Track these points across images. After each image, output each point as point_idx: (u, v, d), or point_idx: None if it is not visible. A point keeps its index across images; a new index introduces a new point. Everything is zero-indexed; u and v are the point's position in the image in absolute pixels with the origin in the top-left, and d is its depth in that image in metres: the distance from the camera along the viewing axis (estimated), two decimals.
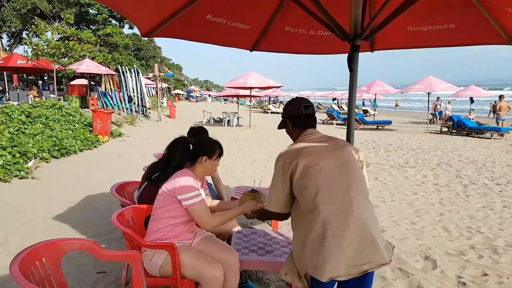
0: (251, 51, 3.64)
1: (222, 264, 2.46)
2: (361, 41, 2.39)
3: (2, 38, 33.41)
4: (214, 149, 2.60)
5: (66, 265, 3.33)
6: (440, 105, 24.65)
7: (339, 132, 16.95)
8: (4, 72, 19.33)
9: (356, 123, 20.07)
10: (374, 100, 34.21)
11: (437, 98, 20.84)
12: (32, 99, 14.82)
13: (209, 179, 4.16)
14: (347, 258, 1.75)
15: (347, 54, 3.94)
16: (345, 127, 2.65)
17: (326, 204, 1.82)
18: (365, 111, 30.87)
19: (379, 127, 19.98)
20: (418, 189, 6.81)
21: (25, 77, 25.84)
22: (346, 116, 22.99)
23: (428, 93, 18.09)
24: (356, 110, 34.34)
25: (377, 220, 1.99)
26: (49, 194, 5.72)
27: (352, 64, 2.38)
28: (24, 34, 31.53)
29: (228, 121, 18.94)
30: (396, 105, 51.41)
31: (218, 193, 4.01)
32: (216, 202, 2.97)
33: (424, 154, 10.86)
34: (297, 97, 2.27)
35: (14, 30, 30.67)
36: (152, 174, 3.04)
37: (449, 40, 3.22)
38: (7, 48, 32.77)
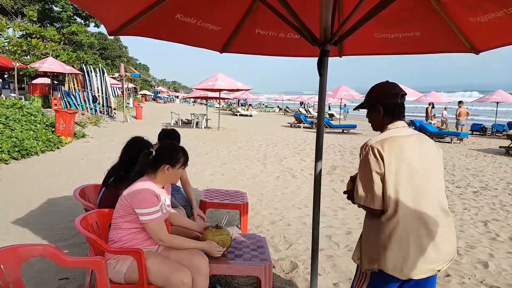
0: (221, 52, 3.62)
1: (191, 269, 2.42)
2: (330, 46, 2.43)
3: None
4: (178, 158, 2.52)
5: (27, 271, 3.18)
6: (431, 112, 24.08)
7: (306, 136, 17.21)
8: None
9: None
10: (345, 105, 35.02)
11: (430, 104, 21.33)
12: None
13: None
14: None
15: (317, 57, 4.03)
16: (312, 130, 2.71)
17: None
18: (331, 115, 31.47)
19: (344, 131, 20.43)
20: None
21: None
22: (313, 119, 23.37)
23: None
24: None
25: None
26: (8, 197, 5.44)
27: (321, 68, 2.41)
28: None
29: (197, 123, 18.76)
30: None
31: (186, 196, 3.95)
32: (175, 213, 2.87)
33: None
34: (389, 81, 2.07)
35: None
36: (109, 178, 2.96)
37: (415, 48, 3.33)
38: None
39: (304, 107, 45.85)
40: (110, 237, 2.49)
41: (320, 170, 2.52)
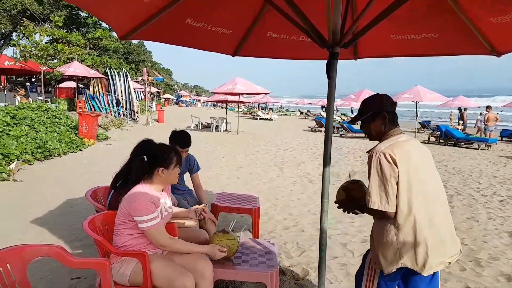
0: (233, 56, 3.60)
1: (195, 273, 2.39)
2: (340, 48, 2.37)
3: None
4: (170, 158, 2.50)
5: (39, 270, 3.24)
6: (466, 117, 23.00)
7: None
8: None
9: (344, 131, 20.22)
10: None
11: (462, 108, 20.61)
12: (19, 101, 14.60)
13: (189, 184, 4.10)
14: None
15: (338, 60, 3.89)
16: (334, 134, 2.69)
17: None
18: None
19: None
20: None
21: (14, 78, 25.50)
22: (334, 123, 23.13)
23: (416, 103, 18.28)
24: (344, 118, 34.72)
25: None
26: (29, 197, 5.59)
27: (330, 71, 2.36)
28: (14, 36, 31.13)
29: (216, 126, 18.87)
30: None
31: (198, 199, 3.94)
32: (178, 210, 2.87)
33: None
34: (384, 94, 2.25)
35: (4, 32, 30.26)
36: (117, 181, 2.97)
37: (433, 49, 3.22)
38: None
39: (326, 110, 45.43)
40: (113, 242, 2.49)
41: (328, 176, 2.45)
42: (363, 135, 12.61)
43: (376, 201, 1.93)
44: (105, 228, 2.70)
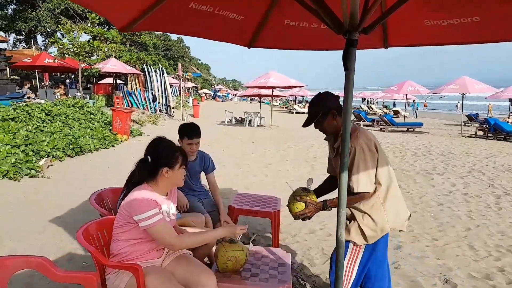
0: (248, 47, 3.30)
1: (198, 287, 2.17)
2: (360, 34, 2.01)
3: (37, 38, 34.69)
4: (175, 158, 2.29)
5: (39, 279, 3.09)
6: None
7: None
8: (36, 71, 19.86)
9: (384, 124, 19.37)
10: (414, 101, 33.06)
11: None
12: (59, 97, 15.11)
13: (204, 183, 3.87)
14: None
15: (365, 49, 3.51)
16: (373, 129, 2.54)
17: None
18: (396, 112, 29.80)
19: (409, 129, 19.13)
20: (445, 199, 6.26)
21: (58, 75, 26.62)
22: (375, 117, 22.27)
23: (463, 94, 17.17)
24: (386, 111, 33.45)
25: None
26: (54, 194, 5.61)
27: (348, 61, 2.00)
28: (58, 34, 32.51)
29: (250, 121, 18.66)
30: (425, 106, 49.31)
31: (214, 201, 3.70)
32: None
33: (455, 159, 10.15)
34: (324, 91, 2.49)
35: (48, 30, 31.64)
36: (131, 181, 2.79)
37: (474, 36, 2.76)
38: (42, 47, 33.94)
39: (366, 103, 44.15)
40: (110, 249, 2.31)
41: (345, 183, 2.09)
42: (405, 128, 12.07)
43: (362, 185, 2.25)
44: (104, 235, 2.52)
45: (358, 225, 2.38)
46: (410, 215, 2.53)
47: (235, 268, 2.41)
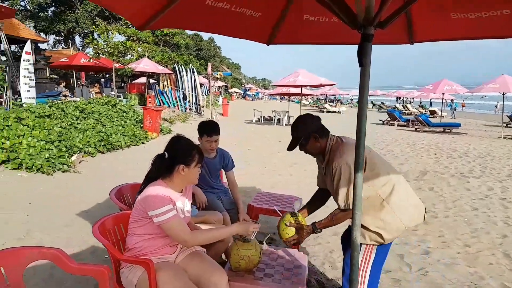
0: (267, 44, 3.24)
1: (209, 286, 2.16)
2: (376, 29, 1.92)
3: (75, 38, 36.12)
4: (192, 156, 2.29)
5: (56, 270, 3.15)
6: None
7: (398, 134, 15.89)
8: (73, 71, 20.63)
9: (419, 124, 18.73)
10: (452, 101, 31.85)
11: None
12: (94, 96, 15.64)
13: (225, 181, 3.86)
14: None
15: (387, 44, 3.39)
16: (408, 129, 2.46)
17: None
18: (433, 112, 28.77)
19: (446, 130, 18.40)
20: (480, 203, 5.94)
21: (94, 75, 27.57)
22: (410, 116, 21.54)
23: (503, 94, 16.31)
24: (422, 111, 32.35)
25: None
26: (83, 188, 5.78)
27: (363, 57, 1.91)
28: (95, 35, 33.75)
29: (278, 120, 18.57)
30: (463, 106, 47.25)
31: (233, 199, 3.68)
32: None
33: (494, 162, 9.64)
34: (306, 114, 2.54)
35: (86, 31, 32.86)
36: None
37: (505, 30, 2.58)
38: (80, 48, 35.29)
39: (402, 102, 42.96)
40: (126, 243, 2.34)
41: (361, 183, 2.01)
42: (442, 129, 11.65)
43: (351, 201, 2.12)
44: (121, 230, 2.55)
45: (370, 228, 2.33)
46: (426, 209, 2.49)
47: (248, 268, 2.38)
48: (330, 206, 2.72)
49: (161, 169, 2.30)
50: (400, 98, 46.59)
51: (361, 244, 2.33)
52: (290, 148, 2.50)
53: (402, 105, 37.61)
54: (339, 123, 21.99)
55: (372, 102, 48.15)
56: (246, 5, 2.67)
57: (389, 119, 22.53)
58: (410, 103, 43.71)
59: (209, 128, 3.48)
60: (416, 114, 27.19)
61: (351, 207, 2.19)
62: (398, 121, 21.32)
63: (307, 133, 2.39)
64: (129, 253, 2.28)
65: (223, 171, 3.78)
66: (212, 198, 3.55)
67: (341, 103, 41.34)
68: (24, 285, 1.94)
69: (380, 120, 23.84)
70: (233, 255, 2.37)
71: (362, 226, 2.32)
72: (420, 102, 42.01)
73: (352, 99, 60.47)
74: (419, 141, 13.81)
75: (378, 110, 38.97)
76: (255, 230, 2.34)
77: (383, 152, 10.81)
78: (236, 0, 2.60)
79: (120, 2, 2.37)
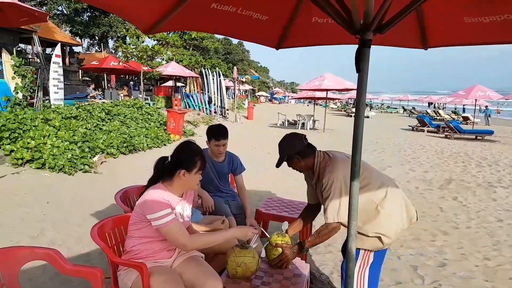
0: (277, 49, 3.21)
1: None
2: (375, 34, 1.85)
3: (108, 42, 37.26)
4: (194, 162, 2.27)
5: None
6: None
7: (427, 141, 15.40)
8: (104, 74, 21.29)
9: (450, 131, 18.09)
10: (486, 107, 30.66)
11: None
12: (123, 98, 16.05)
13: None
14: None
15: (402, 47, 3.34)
16: (438, 135, 2.45)
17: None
18: (465, 118, 27.72)
19: (477, 137, 17.67)
20: (506, 215, 5.65)
21: (125, 77, 28.35)
22: (441, 123, 20.78)
23: None
24: (455, 117, 31.24)
25: None
26: (102, 189, 5.91)
27: (361, 63, 1.85)
28: (127, 39, 34.74)
29: (303, 124, 18.41)
30: (498, 112, 45.09)
31: (241, 203, 3.65)
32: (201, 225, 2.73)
33: None
34: (291, 133, 2.61)
35: (119, 35, 33.87)
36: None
37: None
38: (112, 51, 36.41)
39: (433, 108, 41.73)
40: (125, 246, 2.36)
41: (357, 192, 1.93)
42: (473, 136, 11.22)
43: (343, 214, 2.20)
44: (121, 232, 2.58)
45: (369, 234, 2.34)
46: (416, 212, 2.55)
47: (245, 275, 2.34)
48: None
49: (162, 171, 2.31)
50: (432, 103, 45.26)
51: (359, 249, 2.34)
52: (277, 165, 2.53)
53: (434, 111, 36.50)
54: (368, 127, 21.45)
55: (403, 107, 47.02)
56: (252, 8, 2.65)
57: (418, 125, 21.89)
58: (442, 109, 42.37)
59: (217, 132, 3.47)
60: (446, 120, 26.31)
61: (341, 220, 2.25)
62: (428, 127, 20.69)
63: (289, 154, 2.45)
64: (127, 255, 2.30)
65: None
66: (220, 202, 3.54)
67: (371, 108, 40.55)
68: (19, 285, 1.98)
69: (409, 125, 23.21)
70: (230, 262, 2.34)
71: (361, 234, 2.33)
72: (455, 108, 40.64)
73: (382, 104, 59.30)
74: (448, 148, 13.33)
75: (409, 116, 37.97)
76: (253, 234, 2.33)
77: (408, 159, 10.49)
78: (242, 3, 2.59)
79: (126, 8, 2.40)
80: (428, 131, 20.29)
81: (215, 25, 2.88)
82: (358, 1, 1.75)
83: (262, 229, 3.09)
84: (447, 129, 18.86)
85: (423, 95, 55.03)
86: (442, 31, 2.73)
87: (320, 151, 2.50)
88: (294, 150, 2.44)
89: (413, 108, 43.81)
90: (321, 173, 2.38)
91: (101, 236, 2.32)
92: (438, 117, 32.12)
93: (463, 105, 35.47)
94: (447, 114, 34.65)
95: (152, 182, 2.33)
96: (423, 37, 2.88)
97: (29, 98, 9.02)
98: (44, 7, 28.90)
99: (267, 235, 2.68)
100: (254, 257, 2.34)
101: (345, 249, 2.66)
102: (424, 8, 2.58)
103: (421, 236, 4.68)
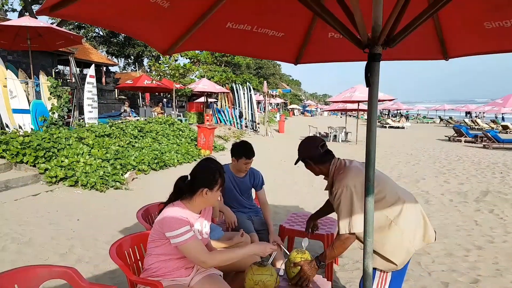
0: (295, 64, 3.21)
1: None
2: (384, 48, 1.81)
3: (143, 61, 38.66)
4: (215, 179, 2.29)
5: None
6: None
7: (464, 152, 14.76)
8: (139, 92, 22.04)
9: (488, 141, 17.30)
10: None
11: None
12: (156, 115, 16.53)
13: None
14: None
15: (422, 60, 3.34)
16: (476, 145, 2.38)
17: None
18: (505, 127, 26.41)
19: None
20: None
21: (160, 95, 29.23)
22: (478, 132, 19.93)
23: None
24: (494, 126, 29.83)
25: None
26: (132, 205, 6.04)
27: (371, 76, 1.82)
28: (161, 58, 35.91)
29: (335, 136, 18.17)
30: None
31: (264, 219, 3.62)
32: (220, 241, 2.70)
33: None
34: (309, 137, 2.62)
35: (154, 54, 35.12)
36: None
37: None
38: (148, 70, 37.77)
39: (470, 118, 40.09)
40: (144, 263, 2.39)
41: (372, 208, 1.87)
42: None
43: (359, 225, 2.14)
44: (141, 249, 2.62)
45: (380, 252, 2.28)
46: (435, 231, 2.41)
47: None
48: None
49: (182, 190, 2.34)
50: (469, 113, 43.52)
51: (375, 269, 2.27)
52: (295, 163, 2.64)
53: (471, 120, 35.05)
54: (403, 138, 20.95)
55: (439, 117, 45.48)
56: (268, 25, 2.68)
57: (455, 135, 21.07)
58: (481, 118, 40.62)
59: (248, 151, 3.49)
60: (484, 129, 25.15)
61: (353, 231, 2.18)
62: (465, 137, 19.86)
63: (304, 158, 2.48)
64: (145, 273, 2.33)
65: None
66: (242, 218, 3.53)
67: (406, 118, 39.48)
68: None
69: (446, 136, 22.38)
70: (247, 280, 2.32)
71: (377, 250, 2.27)
72: (496, 117, 38.86)
73: (418, 114, 57.66)
74: (486, 158, 12.71)
75: (446, 126, 36.64)
76: (272, 250, 2.30)
77: (443, 171, 10.08)
78: (257, 21, 2.62)
79: (143, 31, 2.49)
80: (465, 141, 19.48)
81: (232, 44, 2.93)
82: (364, 16, 1.73)
83: (282, 246, 3.05)
84: (485, 138, 18.04)
85: (460, 104, 53.01)
86: (463, 39, 2.64)
87: (339, 158, 2.48)
88: (308, 154, 2.46)
89: (450, 117, 42.28)
90: (334, 181, 2.36)
91: (120, 254, 2.36)
92: (475, 127, 30.80)
93: (502, 113, 33.85)
94: (486, 123, 33.16)
95: (171, 200, 2.36)
96: (443, 47, 2.79)
97: (66, 117, 9.46)
98: (82, 30, 30.47)
99: (287, 252, 2.64)
100: (272, 275, 2.31)
101: None
102: (440, 17, 2.51)
103: (454, 251, 4.46)
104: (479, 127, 30.72)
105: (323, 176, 2.52)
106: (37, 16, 11.26)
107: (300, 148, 2.53)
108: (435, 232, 2.39)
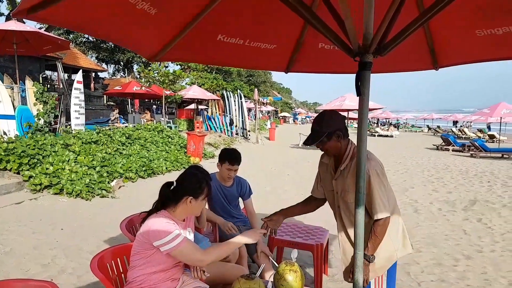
0: (286, 72, 3.19)
1: None
2: (375, 57, 1.79)
3: (133, 67, 38.47)
4: (201, 188, 2.24)
5: None
6: None
7: (452, 160, 14.90)
8: (128, 98, 21.85)
9: (475, 150, 17.52)
10: None
11: None
12: (145, 122, 16.38)
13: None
14: None
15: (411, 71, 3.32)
16: (463, 154, 2.40)
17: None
18: (492, 136, 26.82)
19: (504, 156, 17.01)
20: None
21: (149, 101, 29.05)
22: (465, 141, 20.15)
23: None
24: (481, 135, 30.28)
25: None
26: (117, 214, 5.92)
27: (362, 86, 1.79)
28: (151, 64, 35.80)
29: None
30: None
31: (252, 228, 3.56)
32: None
33: None
34: (332, 110, 2.60)
35: (143, 60, 34.97)
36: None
37: None
38: (137, 76, 37.61)
39: (458, 127, 40.68)
40: (127, 276, 2.30)
41: (362, 220, 1.83)
42: (500, 155, 10.78)
43: (388, 208, 2.15)
44: (124, 262, 2.53)
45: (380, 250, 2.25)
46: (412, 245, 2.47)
47: None
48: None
49: (167, 198, 2.28)
50: (457, 122, 44.20)
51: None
52: (309, 142, 2.22)
53: (459, 129, 35.58)
54: (391, 146, 21.10)
55: (428, 126, 46.08)
56: (260, 39, 2.65)
57: (443, 144, 21.31)
58: (468, 127, 41.26)
59: (232, 157, 3.44)
60: (472, 138, 25.51)
61: (386, 215, 2.13)
62: (453, 146, 20.10)
63: (332, 130, 2.18)
64: (128, 286, 2.25)
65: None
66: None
67: (395, 127, 39.86)
68: None
69: (434, 145, 22.62)
70: None
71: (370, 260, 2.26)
72: (488, 127, 39.46)
73: (406, 122, 58.31)
74: (473, 167, 12.84)
75: (434, 134, 37.08)
76: (261, 235, 2.33)
77: (432, 180, 10.13)
78: (249, 35, 2.59)
79: (129, 37, 2.43)
80: (453, 150, 19.72)
81: (222, 57, 2.89)
82: (355, 23, 1.70)
83: (271, 257, 2.99)
84: (472, 147, 18.29)
85: (447, 113, 53.82)
86: (453, 48, 2.63)
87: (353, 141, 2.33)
88: (340, 125, 2.22)
89: (438, 126, 42.85)
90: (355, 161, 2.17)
91: (101, 267, 2.28)
92: (463, 136, 31.24)
93: (489, 123, 34.43)
94: (473, 133, 33.67)
95: (156, 207, 2.29)
96: (433, 57, 2.79)
97: (52, 123, 9.29)
98: (71, 35, 30.22)
99: (276, 264, 2.58)
100: (260, 287, 2.25)
101: None
102: (431, 25, 2.50)
103: (443, 261, 4.45)
104: (466, 136, 31.16)
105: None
106: (24, 21, 11.10)
107: (327, 120, 2.22)
108: (412, 245, 2.46)
